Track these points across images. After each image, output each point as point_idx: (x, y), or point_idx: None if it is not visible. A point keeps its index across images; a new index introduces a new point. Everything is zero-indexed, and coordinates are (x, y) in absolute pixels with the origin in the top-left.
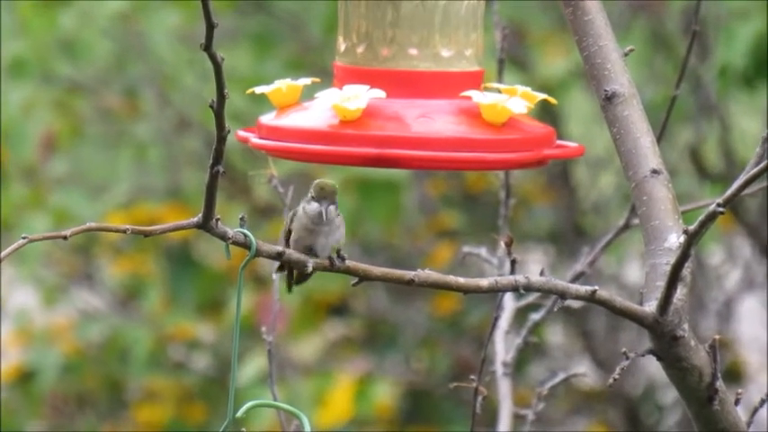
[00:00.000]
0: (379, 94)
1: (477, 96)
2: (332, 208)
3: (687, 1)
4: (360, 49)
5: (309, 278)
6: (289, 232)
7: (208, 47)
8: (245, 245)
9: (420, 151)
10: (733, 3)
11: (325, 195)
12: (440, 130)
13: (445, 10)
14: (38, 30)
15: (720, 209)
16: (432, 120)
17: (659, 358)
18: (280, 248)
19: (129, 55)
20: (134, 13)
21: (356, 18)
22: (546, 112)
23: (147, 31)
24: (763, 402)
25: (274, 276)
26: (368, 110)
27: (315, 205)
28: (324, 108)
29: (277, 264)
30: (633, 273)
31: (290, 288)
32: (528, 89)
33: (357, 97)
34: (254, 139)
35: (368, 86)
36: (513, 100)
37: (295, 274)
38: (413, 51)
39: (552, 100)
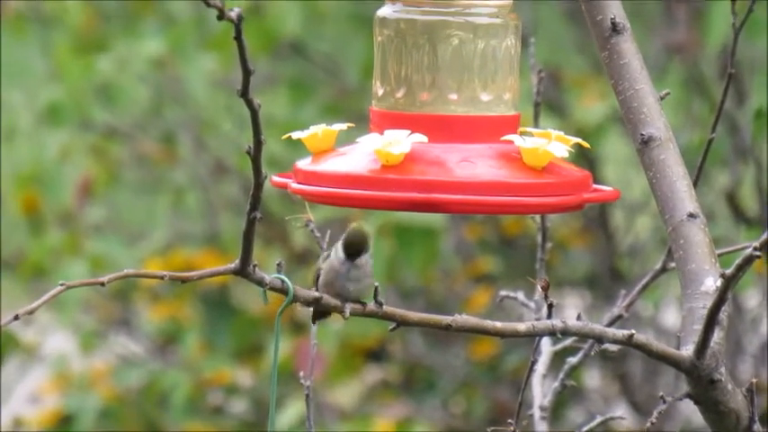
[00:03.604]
0: (421, 138)
1: (519, 140)
2: (362, 259)
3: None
4: (398, 94)
5: (329, 315)
6: (318, 273)
7: (244, 93)
8: (283, 290)
9: (464, 195)
10: None
11: (355, 251)
12: (482, 175)
13: (483, 54)
14: (75, 75)
15: (757, 252)
16: (474, 164)
17: (696, 402)
18: (317, 294)
19: (165, 100)
20: (171, 59)
21: (394, 63)
22: (581, 156)
23: (183, 76)
24: None
25: (313, 327)
26: (409, 154)
27: (342, 258)
28: (363, 153)
29: (311, 310)
30: (670, 316)
31: (314, 320)
32: (561, 133)
33: (399, 142)
34: (294, 185)
35: (408, 131)
36: (553, 144)
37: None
38: (452, 96)
39: (585, 144)
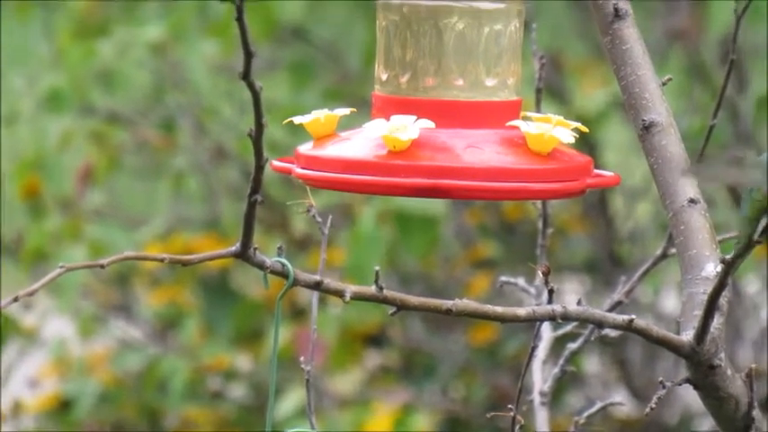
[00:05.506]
0: (428, 124)
1: (524, 126)
2: None
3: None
4: (402, 79)
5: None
6: None
7: (246, 75)
8: (283, 274)
9: (473, 182)
10: None
11: None
12: (489, 161)
13: (488, 39)
14: (75, 60)
15: (757, 239)
16: (481, 150)
17: (696, 387)
18: (318, 278)
19: (166, 85)
20: (171, 44)
21: (398, 48)
22: (582, 142)
23: (184, 61)
24: None
25: (314, 312)
26: (415, 140)
27: None
28: (368, 138)
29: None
30: (670, 302)
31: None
32: (561, 117)
33: (407, 128)
34: (299, 170)
35: (415, 117)
36: (558, 129)
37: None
38: (457, 81)
39: (584, 128)
